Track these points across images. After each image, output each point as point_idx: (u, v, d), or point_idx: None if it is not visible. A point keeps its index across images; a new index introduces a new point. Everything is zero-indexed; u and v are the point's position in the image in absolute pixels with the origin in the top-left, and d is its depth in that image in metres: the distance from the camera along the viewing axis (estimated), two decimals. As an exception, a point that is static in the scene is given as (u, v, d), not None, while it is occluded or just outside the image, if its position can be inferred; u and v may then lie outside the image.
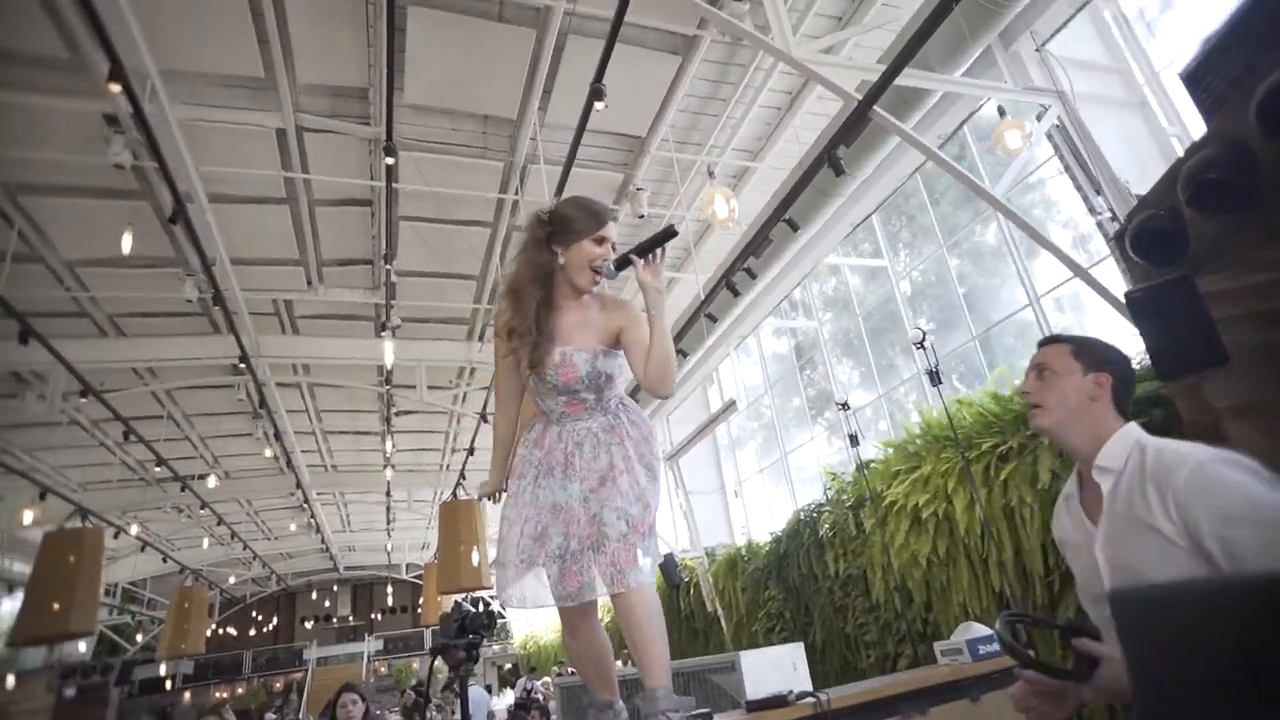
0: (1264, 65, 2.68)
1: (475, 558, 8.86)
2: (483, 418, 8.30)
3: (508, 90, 5.01)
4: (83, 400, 7.00)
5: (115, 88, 3.76)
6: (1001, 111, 3.31)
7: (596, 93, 3.69)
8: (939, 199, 6.37)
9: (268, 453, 9.02)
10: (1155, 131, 3.92)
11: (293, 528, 13.81)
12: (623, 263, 1.81)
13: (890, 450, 5.59)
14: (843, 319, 8.06)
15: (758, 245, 4.79)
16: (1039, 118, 3.86)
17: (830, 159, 3.55)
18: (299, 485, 10.63)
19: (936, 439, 5.03)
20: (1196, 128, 3.96)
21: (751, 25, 4.59)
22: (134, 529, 9.88)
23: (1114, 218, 3.54)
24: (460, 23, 4.44)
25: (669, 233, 1.78)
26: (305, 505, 12.12)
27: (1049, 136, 3.80)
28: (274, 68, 4.57)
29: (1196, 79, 3.03)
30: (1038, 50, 3.91)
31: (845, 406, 5.28)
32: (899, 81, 3.32)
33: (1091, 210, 3.67)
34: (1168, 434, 3.59)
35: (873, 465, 5.63)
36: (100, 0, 3.61)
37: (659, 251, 1.77)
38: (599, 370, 1.86)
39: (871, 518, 5.44)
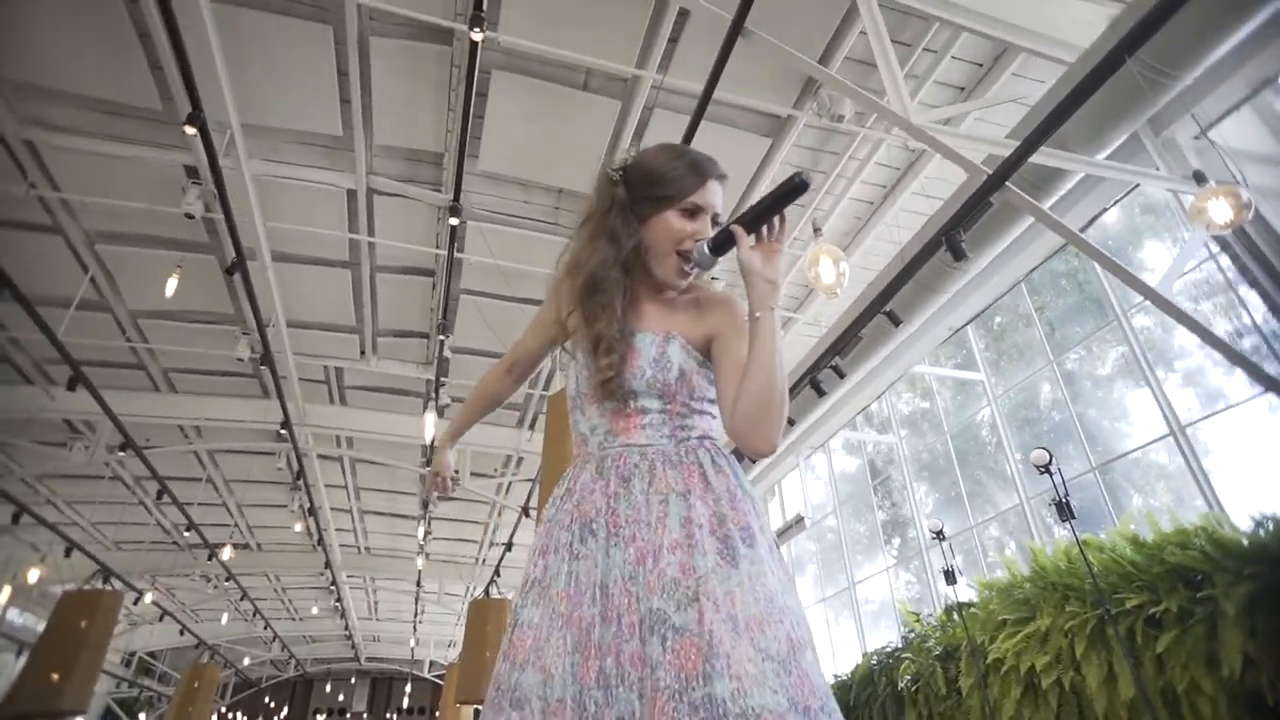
0: None
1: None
2: (524, 511, 7.73)
3: (585, 163, 4.79)
4: (122, 454, 6.80)
5: (190, 130, 3.67)
6: (1200, 178, 2.78)
7: (721, 176, 3.35)
8: (1044, 310, 5.75)
9: (298, 527, 8.59)
10: (1340, 237, 3.28)
11: (316, 610, 13.17)
12: (723, 241, 1.13)
13: (991, 593, 4.72)
14: (923, 438, 7.30)
15: (848, 341, 4.25)
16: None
17: (949, 240, 3.06)
18: (329, 565, 10.12)
19: (1054, 587, 4.18)
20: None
21: (852, 108, 4.29)
22: (148, 596, 9.45)
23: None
24: (544, 90, 4.28)
25: (796, 185, 1.02)
26: (333, 587, 11.56)
27: (1217, 237, 3.22)
28: (352, 127, 4.48)
29: None
30: (1197, 138, 3.41)
31: (940, 536, 4.50)
32: (1035, 159, 2.85)
33: None
34: None
35: (971, 610, 4.74)
36: (198, 53, 3.61)
37: (777, 219, 1.08)
38: (671, 362, 1.16)
39: (969, 675, 4.50)
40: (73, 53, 4.00)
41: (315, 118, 4.47)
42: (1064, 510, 3.32)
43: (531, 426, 8.06)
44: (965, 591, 5.05)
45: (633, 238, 1.19)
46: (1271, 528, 3.42)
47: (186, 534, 8.77)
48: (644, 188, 1.20)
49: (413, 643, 16.63)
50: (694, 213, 1.19)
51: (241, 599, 11.55)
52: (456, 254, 4.85)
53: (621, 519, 1.07)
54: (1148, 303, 4.68)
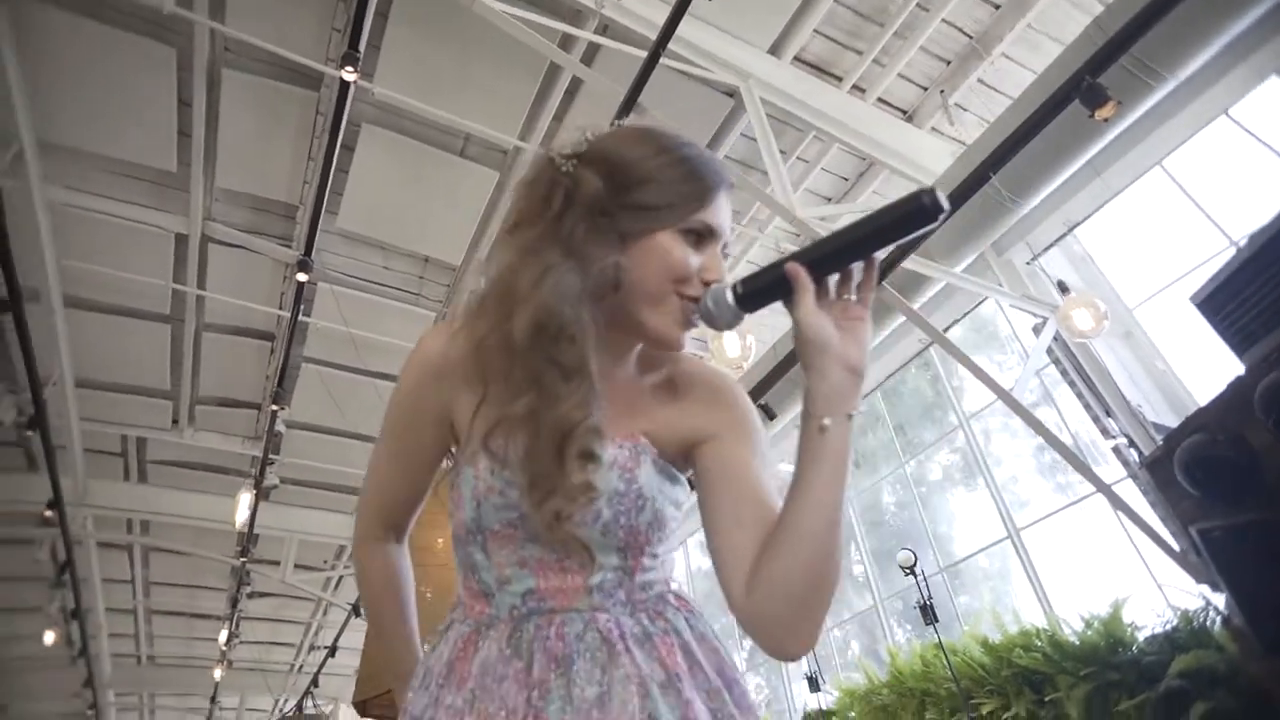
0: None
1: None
2: (355, 610, 6.79)
3: (456, 233, 4.54)
4: None
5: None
6: (1063, 287, 3.02)
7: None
8: (895, 417, 6.09)
9: (50, 636, 6.95)
10: (1143, 359, 3.72)
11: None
12: (766, 287, 0.69)
13: (851, 699, 4.62)
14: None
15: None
16: (1036, 331, 3.61)
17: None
18: (90, 682, 8.26)
19: (912, 692, 4.14)
20: (1182, 360, 3.81)
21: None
22: None
23: (1131, 443, 3.16)
24: (418, 151, 4.04)
25: (925, 207, 0.62)
26: (92, 710, 9.42)
27: (1049, 352, 3.53)
28: (190, 165, 3.96)
29: (1216, 306, 2.78)
30: (1029, 263, 3.80)
31: (804, 640, 4.37)
32: (907, 265, 2.99)
33: (1105, 433, 3.29)
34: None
35: (832, 718, 4.60)
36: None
37: (864, 266, 0.68)
38: (644, 498, 0.74)
39: (832, 792, 4.30)
40: None
41: (144, 149, 3.91)
42: (928, 613, 3.32)
43: (372, 514, 7.25)
44: (823, 697, 4.94)
45: (611, 258, 0.72)
46: (1098, 625, 3.61)
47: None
48: (620, 191, 0.73)
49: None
50: (702, 237, 0.74)
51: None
52: (302, 316, 4.33)
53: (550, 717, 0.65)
54: (984, 410, 5.09)
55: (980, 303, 4.20)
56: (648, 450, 0.76)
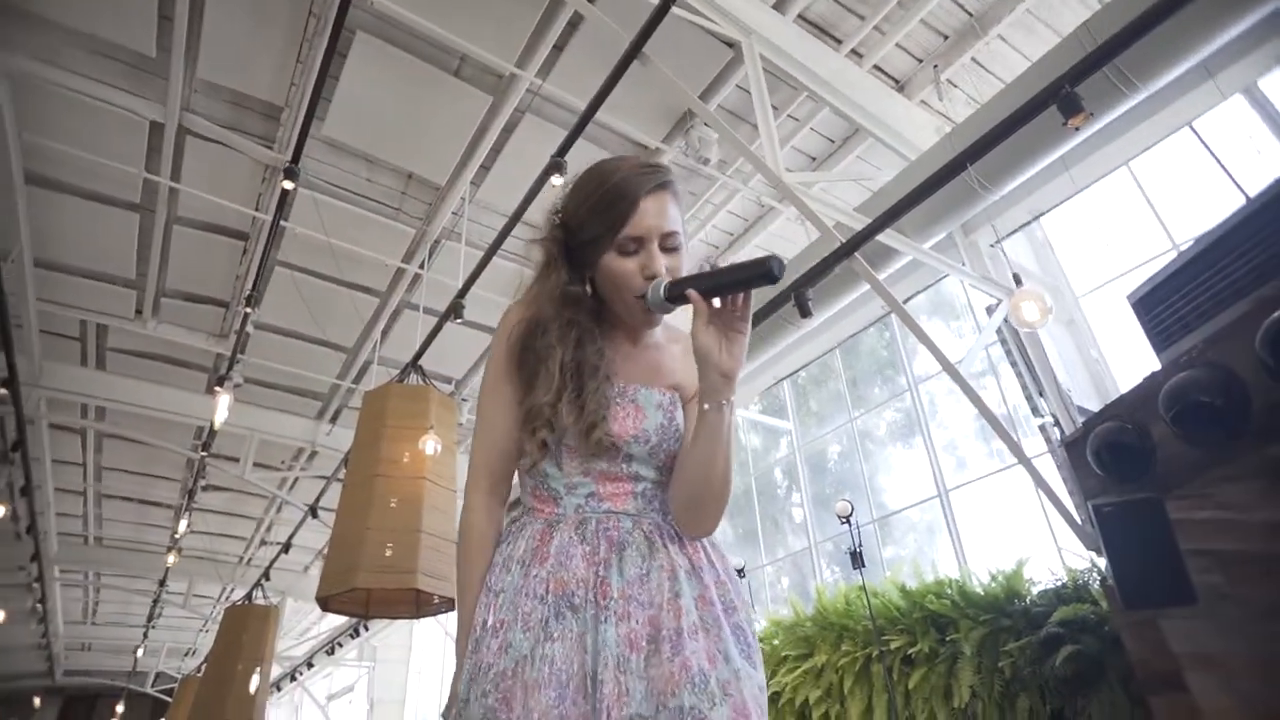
0: (1229, 301, 2.66)
1: (254, 683, 7.14)
2: (311, 511, 6.98)
3: (443, 152, 4.51)
4: None
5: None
6: (1018, 279, 3.23)
7: (557, 165, 3.26)
8: (851, 371, 6.39)
9: None
10: (1080, 346, 4.02)
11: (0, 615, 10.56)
12: (678, 293, 0.95)
13: (778, 629, 5.06)
14: (729, 473, 7.73)
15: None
16: (989, 311, 3.86)
17: (798, 297, 3.27)
18: (37, 556, 8.34)
19: (832, 626, 4.57)
20: (1116, 350, 4.13)
21: (718, 154, 4.48)
22: None
23: (1056, 423, 3.47)
24: (412, 65, 3.96)
25: (768, 272, 0.86)
26: (36, 584, 9.54)
27: (998, 332, 3.79)
28: (171, 51, 3.82)
29: (1148, 306, 3.05)
30: (992, 245, 4.01)
31: (741, 573, 4.74)
32: (881, 238, 3.16)
33: (1035, 411, 3.60)
34: (1100, 667, 3.28)
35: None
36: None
37: (741, 296, 0.91)
38: (679, 430, 1.04)
39: (749, 707, 4.76)
40: None
41: (122, 28, 3.75)
42: (857, 559, 3.66)
43: (333, 420, 7.35)
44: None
45: (583, 294, 1.05)
46: (1001, 579, 4.04)
47: None
48: (573, 236, 1.04)
49: (140, 652, 14.24)
50: (633, 247, 0.99)
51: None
52: (282, 222, 4.30)
53: (614, 590, 0.91)
54: (930, 379, 5.41)
55: (943, 277, 4.42)
56: (679, 400, 1.06)
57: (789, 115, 4.44)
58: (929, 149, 3.53)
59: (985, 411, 2.95)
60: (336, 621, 10.19)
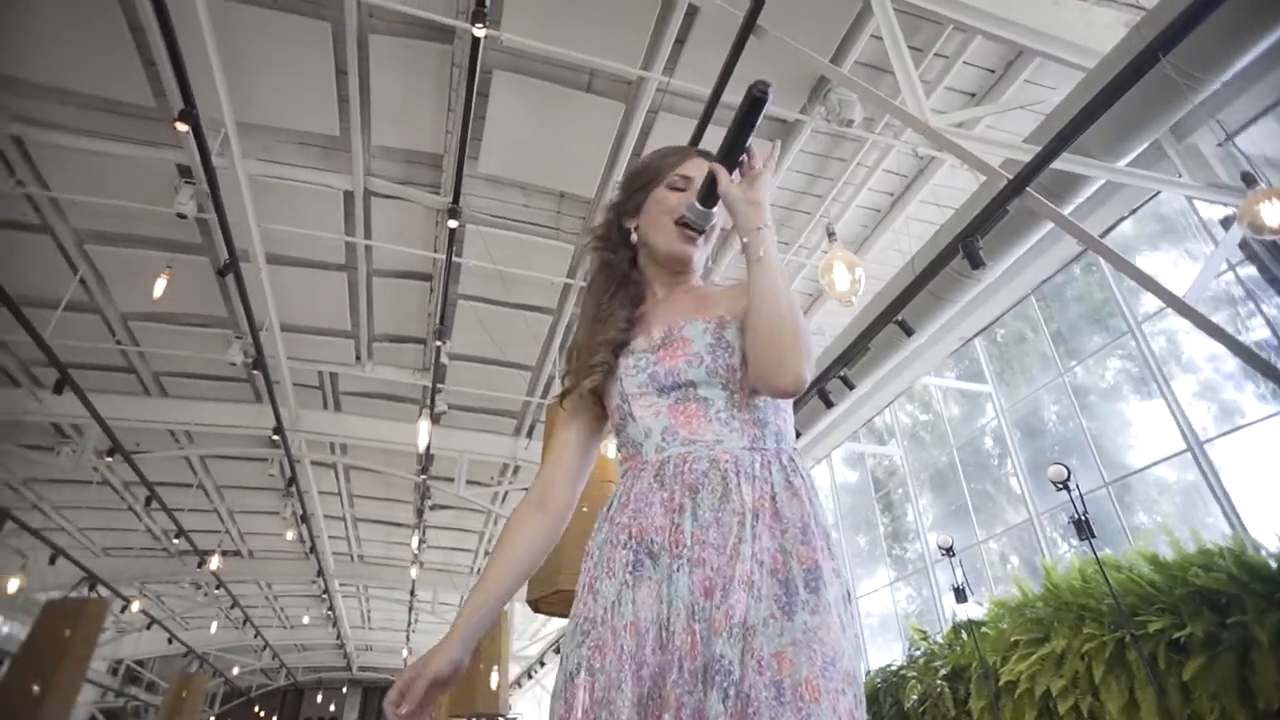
0: None
1: (494, 680, 7.87)
2: (520, 521, 7.56)
3: (588, 166, 4.69)
4: (110, 459, 6.65)
5: (183, 127, 3.57)
6: (1249, 180, 2.68)
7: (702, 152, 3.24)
8: (1052, 322, 5.65)
9: (290, 534, 8.43)
10: (1368, 250, 3.18)
11: (307, 619, 12.93)
12: (710, 191, 1.06)
13: (1003, 611, 4.59)
14: (925, 450, 7.17)
15: (857, 351, 4.13)
16: (1224, 225, 3.20)
17: (966, 247, 2.95)
18: (321, 572, 9.95)
19: (1068, 607, 4.05)
20: None
21: (861, 113, 4.20)
22: (135, 605, 9.25)
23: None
24: (546, 91, 4.18)
25: (756, 98, 0.95)
26: (325, 595, 11.37)
27: (1242, 247, 3.12)
28: (350, 126, 4.37)
29: None
30: (1220, 145, 3.31)
31: (950, 552, 4.36)
32: (1057, 165, 2.75)
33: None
34: None
35: (982, 629, 4.61)
36: (191, 48, 3.51)
37: (750, 147, 1.03)
38: (732, 345, 1.03)
39: (980, 697, 4.36)
40: (63, 47, 3.89)
41: (312, 117, 4.37)
42: (1083, 528, 3.20)
43: (529, 435, 7.93)
44: (971, 608, 4.93)
45: (628, 239, 1.20)
46: (1297, 548, 3.31)
47: (176, 540, 8.59)
48: (631, 189, 1.21)
49: (405, 653, 16.38)
50: (681, 183, 1.15)
51: (232, 607, 11.36)
52: (455, 258, 4.73)
53: (687, 538, 0.90)
54: (1156, 316, 4.61)
55: (1153, 195, 3.75)
56: (731, 322, 1.05)
57: (936, 54, 4.02)
58: (1114, 47, 3.00)
59: (1233, 344, 2.44)
60: (559, 623, 10.97)
